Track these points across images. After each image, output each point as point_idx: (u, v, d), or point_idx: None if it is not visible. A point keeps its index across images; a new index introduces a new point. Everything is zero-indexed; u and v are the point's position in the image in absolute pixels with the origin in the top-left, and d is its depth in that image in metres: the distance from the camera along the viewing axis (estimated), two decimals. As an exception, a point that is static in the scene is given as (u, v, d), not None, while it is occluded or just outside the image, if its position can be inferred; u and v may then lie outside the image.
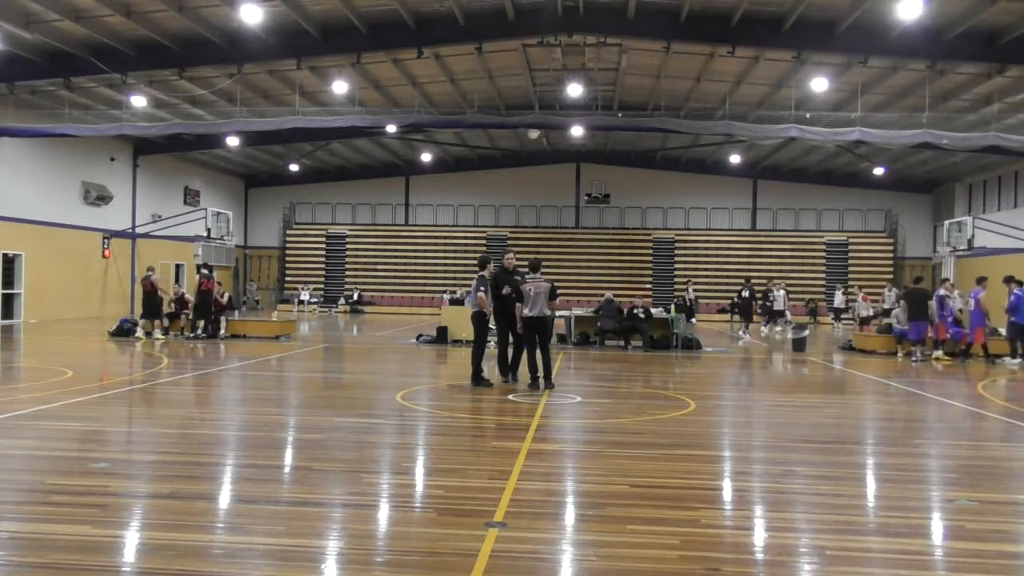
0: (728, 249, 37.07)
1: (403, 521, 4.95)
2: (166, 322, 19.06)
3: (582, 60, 22.41)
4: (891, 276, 34.06)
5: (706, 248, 37.28)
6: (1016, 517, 5.34)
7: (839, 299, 30.48)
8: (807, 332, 19.22)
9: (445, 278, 36.55)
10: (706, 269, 37.02)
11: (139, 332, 18.33)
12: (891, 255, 36.33)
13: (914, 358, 16.00)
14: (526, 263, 11.48)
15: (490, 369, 11.49)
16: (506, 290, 10.98)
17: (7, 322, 23.23)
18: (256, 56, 20.65)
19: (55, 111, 22.85)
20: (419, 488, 5.76)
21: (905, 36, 18.52)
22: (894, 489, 5.86)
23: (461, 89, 25.41)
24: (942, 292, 16.84)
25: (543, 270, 11.38)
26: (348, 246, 38.73)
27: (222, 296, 19.10)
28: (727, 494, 5.71)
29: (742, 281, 30.16)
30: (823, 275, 36.31)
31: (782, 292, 27.92)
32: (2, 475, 5.82)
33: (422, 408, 9.32)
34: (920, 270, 34.11)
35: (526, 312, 10.82)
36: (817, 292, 35.22)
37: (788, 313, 29.78)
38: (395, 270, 38.13)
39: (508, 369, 11.36)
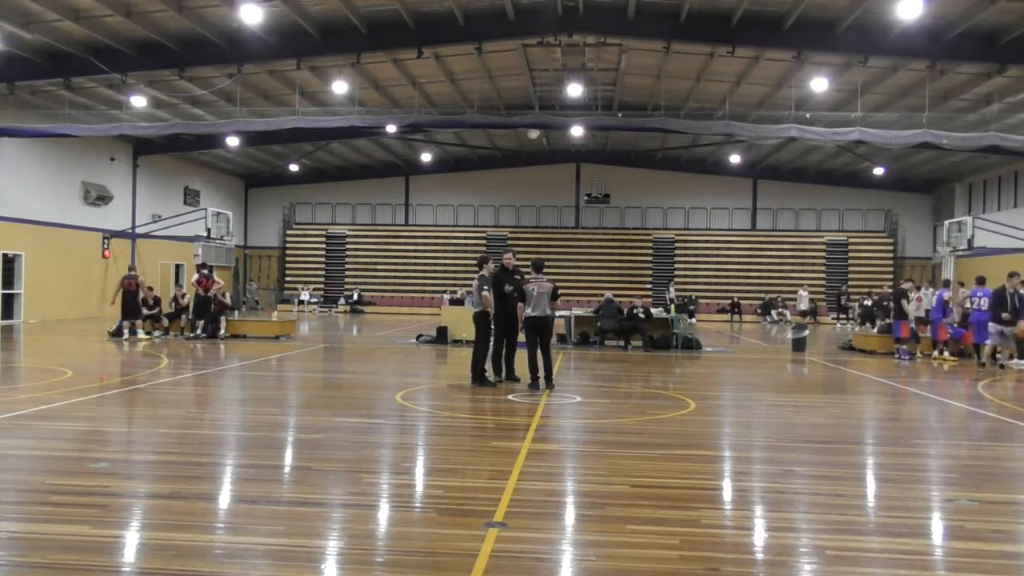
0: (728, 249, 37.08)
1: (403, 521, 4.95)
2: (167, 322, 19.07)
3: (582, 60, 22.40)
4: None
5: (706, 248, 37.28)
6: (1016, 517, 5.33)
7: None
8: (807, 332, 19.22)
9: (445, 278, 36.56)
10: (706, 269, 37.03)
11: (140, 333, 18.35)
12: (891, 255, 36.32)
13: (896, 356, 16.37)
14: (528, 263, 11.50)
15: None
16: (508, 288, 10.98)
17: (7, 322, 23.23)
18: (256, 56, 20.65)
19: (55, 111, 22.84)
20: (419, 488, 5.76)
21: (905, 36, 18.51)
22: (894, 489, 5.86)
23: (461, 89, 25.41)
24: (947, 294, 16.86)
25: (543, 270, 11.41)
26: (348, 246, 38.73)
27: (223, 295, 19.09)
28: (727, 494, 5.71)
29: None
30: (823, 275, 36.33)
31: (806, 293, 31.37)
32: (2, 475, 5.81)
33: (422, 408, 9.32)
34: (920, 270, 34.16)
35: (528, 312, 10.83)
36: (817, 292, 35.27)
37: (788, 313, 30.34)
38: (395, 270, 38.13)
39: (502, 369, 11.36)
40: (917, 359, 16.19)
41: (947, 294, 16.82)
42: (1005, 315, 14.07)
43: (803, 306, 31.73)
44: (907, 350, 16.29)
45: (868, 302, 22.70)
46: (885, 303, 17.58)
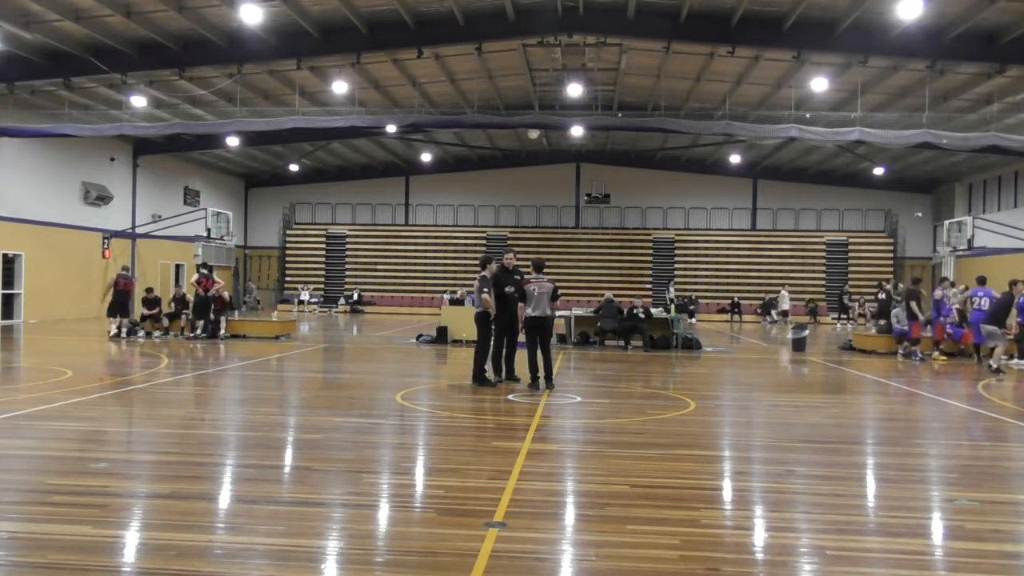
0: (728, 249, 37.08)
1: (403, 521, 4.95)
2: (167, 322, 19.06)
3: (582, 60, 22.41)
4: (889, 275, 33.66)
5: (706, 248, 37.28)
6: (1016, 517, 5.34)
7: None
8: (807, 332, 19.22)
9: (445, 278, 36.56)
10: (706, 269, 37.04)
11: (140, 332, 18.32)
12: (891, 255, 36.33)
13: (904, 355, 16.38)
14: (528, 263, 11.50)
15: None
16: (509, 289, 10.97)
17: (7, 322, 23.23)
18: (256, 56, 20.65)
19: (55, 111, 22.84)
20: (419, 488, 5.76)
21: (905, 36, 18.51)
22: (894, 489, 5.86)
23: (461, 89, 25.41)
24: (938, 292, 16.84)
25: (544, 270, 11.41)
26: (348, 246, 38.73)
27: (220, 293, 19.05)
28: (727, 494, 5.71)
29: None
30: (823, 275, 36.34)
31: (787, 293, 31.59)
32: (2, 475, 5.82)
33: (422, 408, 9.32)
34: (920, 270, 34.15)
35: (529, 311, 10.82)
36: (817, 292, 35.31)
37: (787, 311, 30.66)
38: (395, 270, 38.13)
39: (502, 369, 11.35)
40: (919, 359, 16.20)
41: (938, 293, 16.79)
42: (1020, 321, 14.09)
43: (784, 306, 31.81)
44: (917, 351, 16.27)
45: (882, 295, 22.27)
46: (897, 298, 17.40)
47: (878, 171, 32.52)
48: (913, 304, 16.31)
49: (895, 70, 20.84)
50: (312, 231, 39.23)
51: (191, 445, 7.06)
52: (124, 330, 18.31)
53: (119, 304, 18.41)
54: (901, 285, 17.89)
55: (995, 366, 13.77)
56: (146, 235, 29.86)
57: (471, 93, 25.79)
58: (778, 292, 32.56)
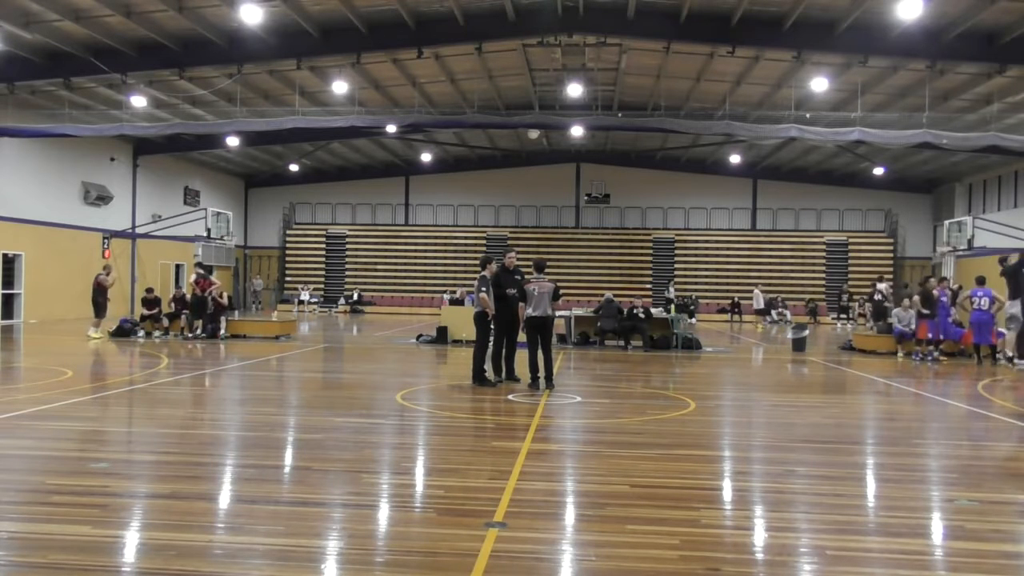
0: (728, 249, 37.07)
1: (403, 521, 4.95)
2: (167, 322, 19.04)
3: (582, 60, 22.40)
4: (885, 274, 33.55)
5: (706, 248, 37.28)
6: (1016, 517, 5.33)
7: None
8: (807, 332, 19.22)
9: (445, 278, 36.57)
10: (706, 269, 37.04)
11: (93, 332, 18.24)
12: (891, 255, 36.32)
13: (916, 357, 16.27)
14: (529, 263, 11.50)
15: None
16: (511, 291, 10.98)
17: (7, 322, 23.23)
18: (256, 56, 20.65)
19: (55, 111, 22.85)
20: (419, 488, 5.76)
21: (905, 36, 18.52)
22: (894, 489, 5.86)
23: (461, 89, 25.41)
24: (934, 292, 16.84)
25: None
26: (348, 246, 38.73)
27: (221, 296, 19.07)
28: (727, 494, 5.71)
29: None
30: (823, 275, 36.34)
31: (760, 292, 32.03)
32: (2, 475, 5.81)
33: (422, 408, 9.32)
34: (920, 270, 34.16)
35: (529, 312, 10.83)
36: (817, 292, 35.30)
37: (774, 313, 30.72)
38: (395, 270, 38.13)
39: (502, 369, 11.35)
40: (919, 359, 16.20)
41: (934, 292, 16.78)
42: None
43: (759, 305, 31.80)
44: (919, 351, 16.26)
45: (877, 296, 22.04)
46: (903, 296, 17.29)
47: (878, 171, 32.51)
48: (920, 303, 16.29)
49: (895, 70, 20.84)
50: (312, 231, 39.23)
51: (191, 445, 7.06)
52: (94, 330, 18.24)
53: (93, 304, 18.40)
54: (910, 285, 17.86)
55: (1011, 354, 13.59)
56: (146, 235, 29.85)
57: (471, 93, 25.78)
58: (778, 294, 32.54)
